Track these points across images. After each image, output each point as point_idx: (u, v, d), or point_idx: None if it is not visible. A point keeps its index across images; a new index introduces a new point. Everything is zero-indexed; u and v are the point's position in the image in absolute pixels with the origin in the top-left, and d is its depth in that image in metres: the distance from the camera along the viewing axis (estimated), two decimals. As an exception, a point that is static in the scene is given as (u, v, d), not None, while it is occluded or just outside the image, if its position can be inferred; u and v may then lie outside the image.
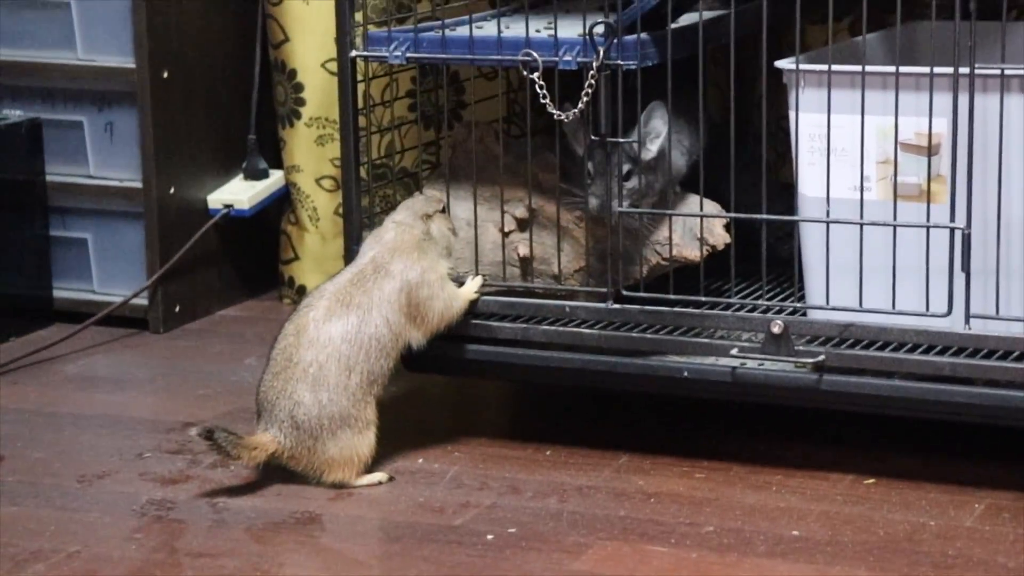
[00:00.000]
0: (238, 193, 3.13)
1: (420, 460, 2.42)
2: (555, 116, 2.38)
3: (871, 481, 2.27)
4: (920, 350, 2.22)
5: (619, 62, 2.33)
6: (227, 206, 3.11)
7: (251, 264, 3.23)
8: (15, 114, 3.07)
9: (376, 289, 2.32)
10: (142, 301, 3.05)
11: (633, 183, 2.40)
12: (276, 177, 3.18)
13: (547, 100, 2.37)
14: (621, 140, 2.36)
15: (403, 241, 2.36)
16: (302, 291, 3.19)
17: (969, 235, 2.18)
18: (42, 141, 3.07)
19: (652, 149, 2.40)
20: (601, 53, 2.32)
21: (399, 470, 2.38)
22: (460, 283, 2.42)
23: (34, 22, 3.06)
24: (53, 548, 2.14)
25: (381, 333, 2.30)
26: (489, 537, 2.15)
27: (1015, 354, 2.18)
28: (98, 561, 2.10)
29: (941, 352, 2.21)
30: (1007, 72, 2.17)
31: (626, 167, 2.39)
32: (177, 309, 3.08)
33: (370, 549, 2.13)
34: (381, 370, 2.31)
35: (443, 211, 2.42)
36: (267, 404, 2.31)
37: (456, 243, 2.44)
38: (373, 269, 2.34)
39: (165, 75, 3.01)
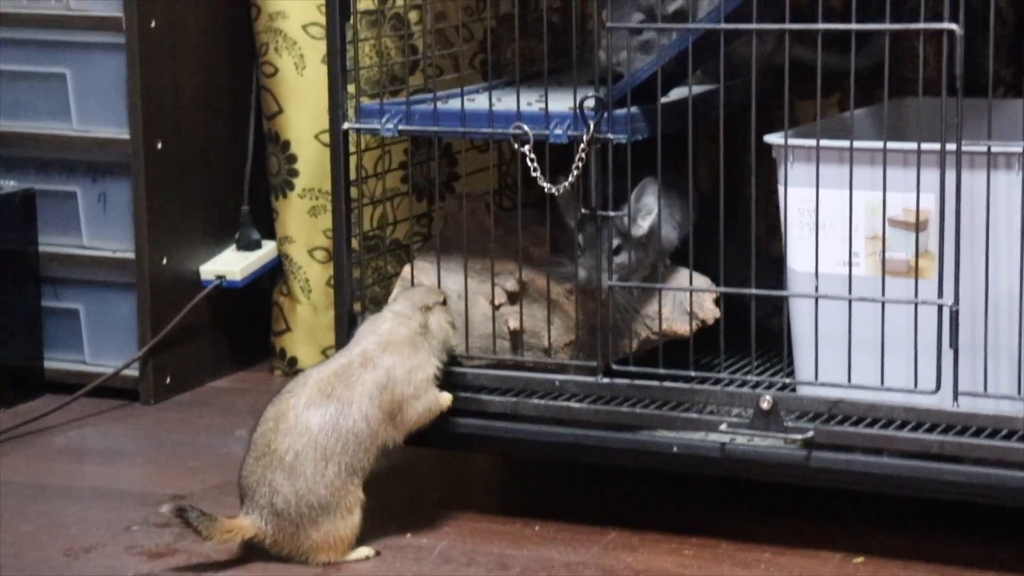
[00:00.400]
0: (230, 264, 3.13)
1: (408, 535, 2.41)
2: (546, 189, 2.38)
3: (860, 560, 2.26)
4: (909, 427, 2.21)
5: (609, 136, 2.33)
6: (219, 277, 3.12)
7: (243, 335, 3.23)
8: (9, 184, 3.08)
9: (359, 383, 2.29)
10: (133, 372, 3.04)
11: (623, 258, 2.40)
12: (269, 248, 3.18)
13: (538, 173, 2.37)
14: (612, 214, 2.36)
15: (397, 335, 2.34)
16: (294, 363, 3.18)
17: (957, 311, 2.18)
18: (36, 211, 3.07)
19: (643, 225, 2.40)
20: (591, 127, 2.33)
21: (387, 545, 2.37)
22: (455, 359, 2.42)
23: (29, 92, 3.08)
24: (36, 624, 2.13)
25: (359, 428, 2.28)
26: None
27: (1004, 432, 2.17)
28: (81, 637, 2.09)
29: (930, 429, 2.20)
30: (994, 149, 2.17)
31: (616, 241, 2.39)
32: (168, 380, 3.08)
33: (355, 626, 2.12)
34: (360, 463, 2.28)
35: (443, 303, 2.40)
36: (248, 489, 2.29)
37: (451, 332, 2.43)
38: (361, 362, 2.31)
39: (159, 146, 3.02)
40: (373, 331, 2.35)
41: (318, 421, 2.27)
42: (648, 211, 2.40)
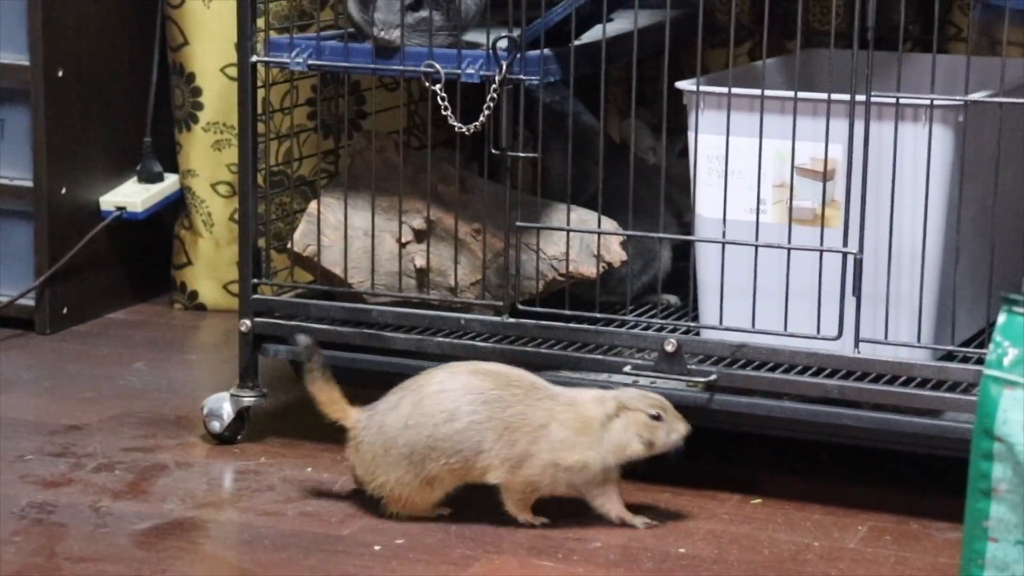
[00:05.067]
0: (131, 195, 3.10)
1: (309, 469, 2.40)
2: (456, 129, 2.38)
3: (758, 501, 2.29)
4: (810, 372, 2.25)
5: (522, 77, 2.34)
6: (120, 208, 3.08)
7: (143, 268, 3.20)
8: (-95, 108, 3.02)
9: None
10: (29, 302, 3.00)
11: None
12: (171, 181, 3.15)
13: (448, 112, 2.37)
14: (521, 155, 2.36)
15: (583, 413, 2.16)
16: (194, 296, 3.16)
17: (861, 260, 2.21)
18: (-68, 137, 3.02)
19: None
20: (504, 67, 2.33)
21: (288, 479, 2.36)
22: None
23: (-73, 17, 3.01)
24: (-70, 549, 2.10)
25: (481, 449, 2.17)
26: (376, 548, 2.14)
27: (902, 378, 2.21)
28: (-24, 563, 2.06)
29: (830, 375, 2.24)
30: (902, 101, 2.20)
31: None
32: (65, 311, 3.04)
33: (255, 557, 2.11)
34: (458, 470, 2.19)
35: (657, 418, 2.17)
36: (390, 393, 2.22)
37: (352, 253, 2.40)
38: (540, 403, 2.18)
39: (60, 74, 2.97)
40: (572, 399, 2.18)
41: (475, 411, 2.16)
42: None
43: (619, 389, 2.21)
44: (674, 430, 2.16)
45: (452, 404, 2.16)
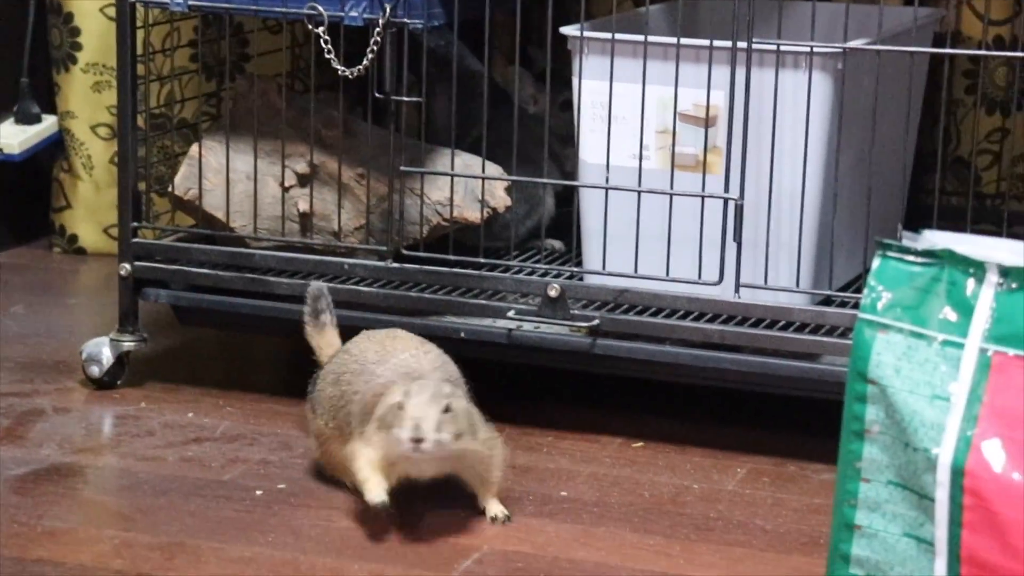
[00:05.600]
0: (8, 137, 3.04)
1: (190, 414, 2.39)
2: (340, 72, 2.36)
3: (639, 444, 2.32)
4: (692, 317, 2.27)
5: (406, 20, 2.32)
6: (-4, 150, 3.03)
7: (20, 211, 3.14)
8: None
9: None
10: (-100, 244, 2.95)
11: None
12: (49, 122, 3.09)
13: (332, 56, 2.35)
14: (405, 99, 2.35)
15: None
16: (74, 240, 3.11)
17: (742, 206, 2.23)
18: None
19: None
20: (388, 10, 2.31)
21: (169, 424, 2.35)
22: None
23: None
24: None
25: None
26: (258, 492, 2.13)
27: (781, 323, 2.24)
28: None
29: (712, 320, 2.26)
30: (783, 48, 2.22)
31: None
32: (-60, 254, 2.99)
33: (135, 502, 2.10)
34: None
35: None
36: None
37: (235, 196, 2.38)
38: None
39: (-67, 11, 2.91)
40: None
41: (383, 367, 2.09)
42: None
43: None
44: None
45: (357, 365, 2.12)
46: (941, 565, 1.57)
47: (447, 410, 1.98)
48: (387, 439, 1.98)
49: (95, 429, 2.34)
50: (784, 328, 2.23)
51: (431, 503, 2.09)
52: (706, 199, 2.25)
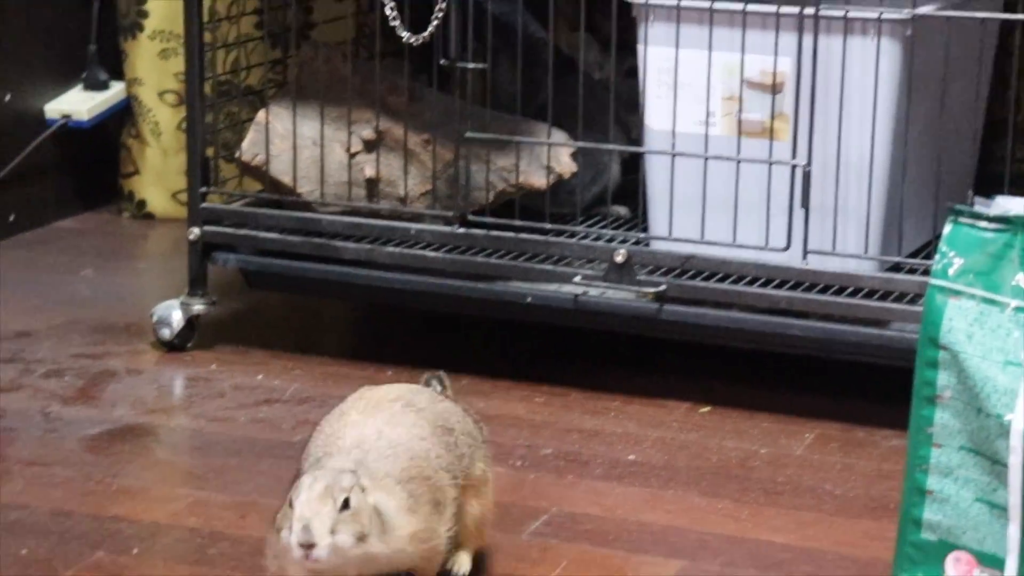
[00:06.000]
0: (77, 104, 3.07)
1: (260, 376, 2.41)
2: (404, 39, 2.37)
3: (706, 409, 2.32)
4: (758, 283, 2.27)
5: (472, -13, 2.33)
6: (65, 116, 3.05)
7: (89, 176, 3.17)
8: None
9: None
10: (-26, 210, 2.99)
11: None
12: (117, 89, 3.12)
13: (397, 23, 2.36)
14: (470, 65, 2.36)
15: None
16: (142, 205, 3.15)
17: (809, 172, 2.23)
18: None
19: None
20: (454, -23, 2.32)
21: (239, 386, 2.37)
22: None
23: None
24: None
25: None
26: (329, 455, 2.15)
27: (849, 289, 2.24)
28: (-72, 469, 2.06)
29: (779, 286, 2.26)
30: (850, 14, 2.22)
31: None
32: (12, 218, 3.02)
33: (207, 462, 2.13)
34: None
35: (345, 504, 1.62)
36: None
37: (301, 162, 2.40)
38: None
39: (4, -21, 2.94)
40: None
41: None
42: None
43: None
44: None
45: None
46: (1015, 529, 1.58)
47: (346, 506, 1.60)
48: (279, 546, 1.61)
49: (166, 391, 2.37)
50: (852, 294, 2.23)
51: (498, 462, 2.11)
52: (773, 165, 2.26)
